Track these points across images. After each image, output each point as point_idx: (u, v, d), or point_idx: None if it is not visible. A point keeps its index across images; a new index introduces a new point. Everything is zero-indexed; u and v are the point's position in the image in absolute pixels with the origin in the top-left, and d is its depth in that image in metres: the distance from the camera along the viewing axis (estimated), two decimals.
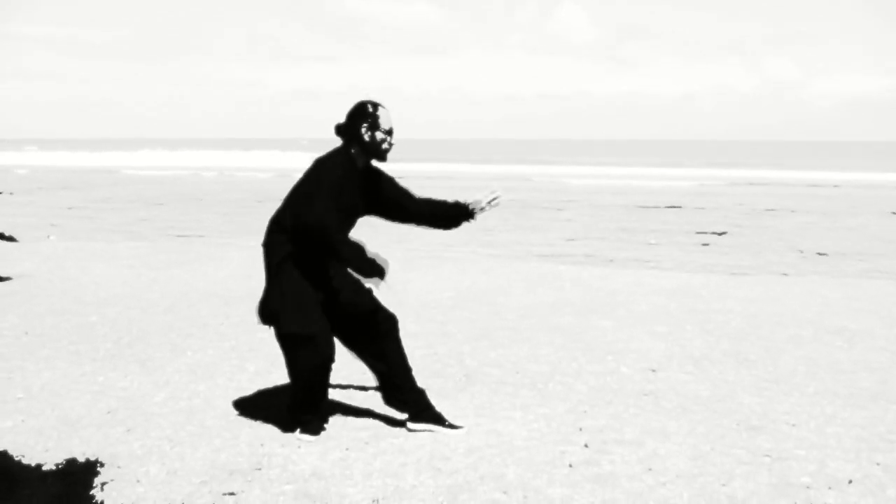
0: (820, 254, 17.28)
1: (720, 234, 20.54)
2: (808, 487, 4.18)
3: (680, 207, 28.27)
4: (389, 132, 4.84)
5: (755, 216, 25.35)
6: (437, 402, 5.50)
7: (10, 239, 16.00)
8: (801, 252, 17.41)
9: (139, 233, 19.47)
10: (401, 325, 7.82)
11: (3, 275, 10.53)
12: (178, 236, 18.70)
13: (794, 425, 5.15)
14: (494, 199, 5.11)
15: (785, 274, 13.92)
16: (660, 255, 16.53)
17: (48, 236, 18.31)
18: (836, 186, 41.95)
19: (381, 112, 4.83)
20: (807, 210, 27.71)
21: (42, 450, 4.60)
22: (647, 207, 28.08)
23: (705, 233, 20.70)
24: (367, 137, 4.79)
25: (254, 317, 7.87)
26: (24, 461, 4.44)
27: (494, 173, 56.88)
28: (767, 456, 4.61)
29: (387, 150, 4.87)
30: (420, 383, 5.93)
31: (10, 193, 32.38)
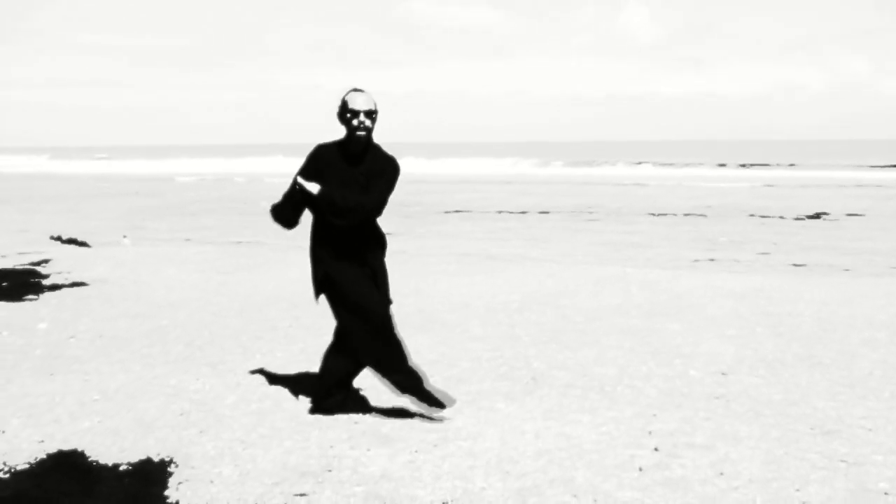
0: (891, 256, 16.83)
1: (789, 235, 20.15)
2: (886, 493, 4.08)
3: (747, 209, 27.81)
4: (356, 113, 4.90)
5: (824, 218, 24.82)
6: (505, 405, 5.49)
7: (84, 244, 16.44)
8: (873, 254, 16.97)
9: (207, 238, 19.81)
10: (468, 328, 7.87)
11: (79, 280, 10.82)
12: (245, 241, 18.98)
13: (870, 430, 5.03)
14: None
15: (857, 276, 13.59)
16: (727, 256, 16.27)
17: (123, 236, 18.76)
18: None
19: (349, 95, 4.96)
20: (878, 212, 27.02)
21: (118, 450, 4.71)
22: (713, 209, 27.68)
23: (774, 235, 20.32)
24: (340, 120, 4.99)
25: (322, 321, 7.97)
26: (102, 461, 4.55)
27: (557, 176, 56.64)
28: (843, 461, 4.50)
29: (357, 129, 4.92)
30: (487, 386, 5.95)
31: (73, 201, 33.24)
